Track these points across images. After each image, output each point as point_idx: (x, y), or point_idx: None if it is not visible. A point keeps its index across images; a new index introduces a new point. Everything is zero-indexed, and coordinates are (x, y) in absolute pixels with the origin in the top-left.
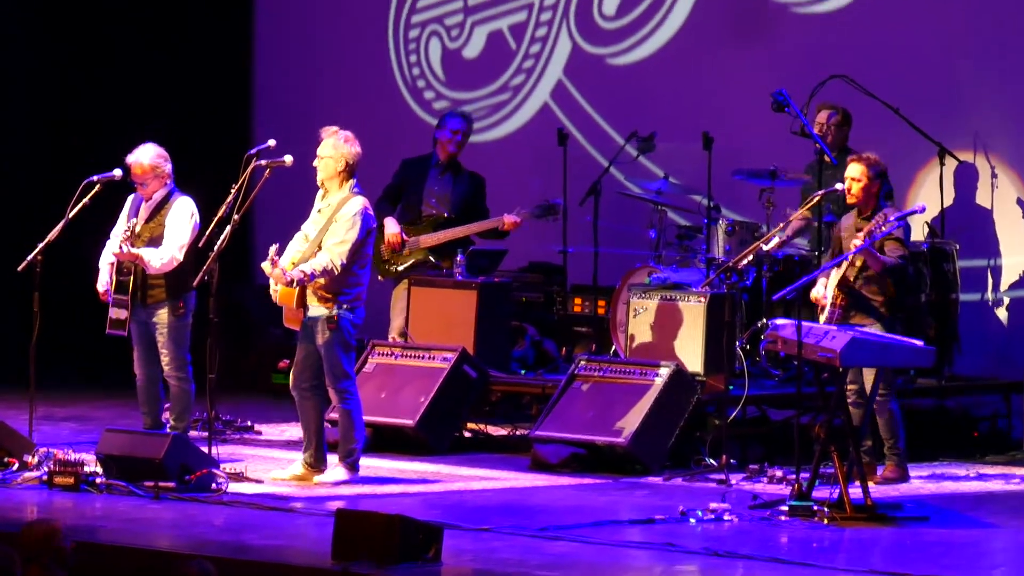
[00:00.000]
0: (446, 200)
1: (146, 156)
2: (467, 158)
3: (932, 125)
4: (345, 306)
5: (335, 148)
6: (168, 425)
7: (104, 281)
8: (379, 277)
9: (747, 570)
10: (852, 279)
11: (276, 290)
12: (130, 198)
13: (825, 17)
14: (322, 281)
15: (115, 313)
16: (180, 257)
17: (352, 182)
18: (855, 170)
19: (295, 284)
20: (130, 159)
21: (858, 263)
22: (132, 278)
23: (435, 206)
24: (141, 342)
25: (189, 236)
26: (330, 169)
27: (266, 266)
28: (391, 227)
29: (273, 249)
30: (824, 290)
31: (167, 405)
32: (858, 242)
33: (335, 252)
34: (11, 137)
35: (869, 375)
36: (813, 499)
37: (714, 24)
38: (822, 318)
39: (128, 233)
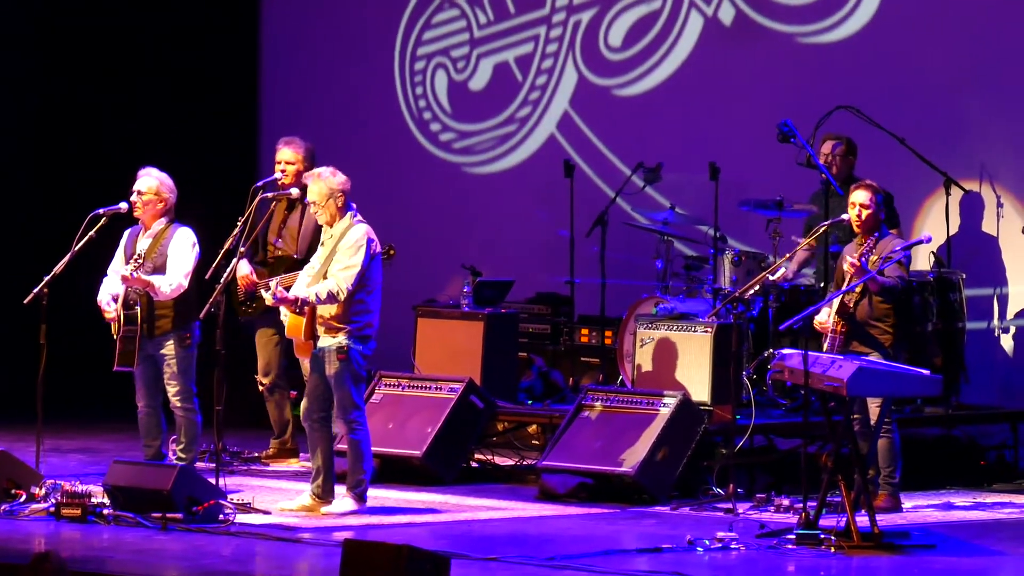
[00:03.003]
0: (293, 238)
1: (156, 177)
2: (473, 190)
3: (938, 155)
4: (355, 335)
5: (326, 185)
6: (174, 456)
7: (106, 301)
8: (239, 317)
9: None
10: (851, 306)
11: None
12: (127, 232)
13: (831, 47)
14: (331, 311)
15: (123, 347)
16: (186, 284)
17: (352, 211)
18: (863, 196)
19: (299, 304)
20: (141, 177)
21: (858, 290)
22: (139, 310)
23: (282, 247)
24: (145, 375)
25: (192, 264)
26: (331, 208)
27: (267, 296)
28: (243, 270)
29: (275, 281)
30: (827, 316)
31: (173, 437)
32: (847, 267)
33: (340, 277)
34: (15, 168)
35: (874, 404)
36: (820, 527)
37: (720, 55)
38: (824, 345)
39: (139, 260)
